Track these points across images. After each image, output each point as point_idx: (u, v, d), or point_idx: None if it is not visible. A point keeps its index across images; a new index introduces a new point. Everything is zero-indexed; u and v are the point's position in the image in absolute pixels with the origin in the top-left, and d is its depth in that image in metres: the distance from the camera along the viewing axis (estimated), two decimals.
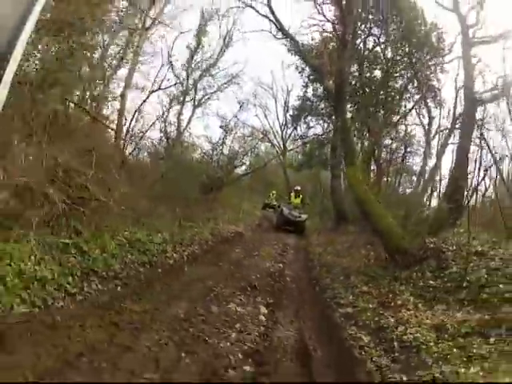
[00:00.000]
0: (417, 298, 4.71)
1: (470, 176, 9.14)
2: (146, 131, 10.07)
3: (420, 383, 2.84)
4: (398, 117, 14.75)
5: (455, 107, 13.28)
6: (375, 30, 14.74)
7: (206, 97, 17.64)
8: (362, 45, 14.71)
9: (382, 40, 14.84)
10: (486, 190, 10.78)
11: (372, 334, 3.76)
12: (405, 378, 2.94)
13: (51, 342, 2.67)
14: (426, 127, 15.12)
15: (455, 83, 13.50)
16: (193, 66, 16.79)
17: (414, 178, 15.96)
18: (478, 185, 9.32)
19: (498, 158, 9.04)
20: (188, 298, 3.99)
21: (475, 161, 9.86)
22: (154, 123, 10.76)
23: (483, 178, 9.42)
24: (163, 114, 12.68)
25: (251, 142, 17.96)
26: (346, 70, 10.15)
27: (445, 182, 11.60)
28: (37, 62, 6.24)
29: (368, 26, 14.57)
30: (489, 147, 8.33)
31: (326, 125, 17.44)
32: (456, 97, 13.36)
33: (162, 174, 9.59)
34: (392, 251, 6.63)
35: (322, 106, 16.25)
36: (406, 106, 14.99)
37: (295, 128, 19.31)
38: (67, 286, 3.47)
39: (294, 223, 13.18)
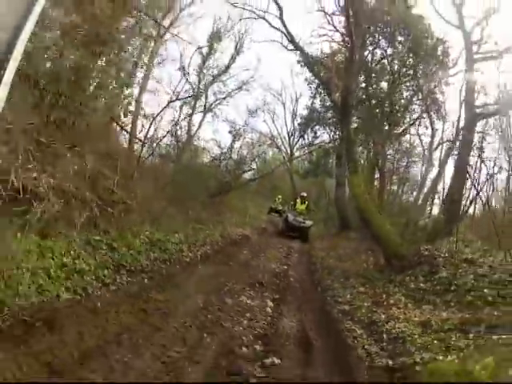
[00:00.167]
0: (408, 298, 5.24)
1: (469, 187, 9.58)
2: (163, 137, 10.60)
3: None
4: (402, 128, 15.18)
5: (459, 120, 13.73)
6: (383, 42, 15.23)
7: (217, 102, 18.15)
8: (369, 56, 15.19)
9: (389, 52, 15.33)
10: (488, 199, 11.20)
11: (365, 328, 4.29)
12: (390, 363, 3.46)
13: (93, 324, 3.19)
14: (429, 139, 15.58)
15: (459, 96, 13.97)
16: (204, 71, 17.34)
17: (417, 188, 16.38)
18: (476, 196, 9.76)
19: (494, 171, 9.47)
20: (204, 291, 4.58)
21: (474, 172, 10.29)
22: (169, 131, 11.27)
23: (481, 190, 9.85)
24: (177, 120, 13.20)
25: (259, 148, 18.42)
26: (353, 84, 10.70)
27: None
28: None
29: (376, 38, 15.04)
30: (483, 162, 8.79)
31: (332, 134, 17.91)
32: (460, 109, 13.81)
33: (173, 177, 10.09)
34: (389, 257, 7.15)
35: (330, 115, 16.71)
36: (410, 118, 15.43)
37: (302, 137, 19.82)
38: (103, 277, 4.04)
39: (298, 229, 13.33)
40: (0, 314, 2.81)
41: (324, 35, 14.44)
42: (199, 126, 16.89)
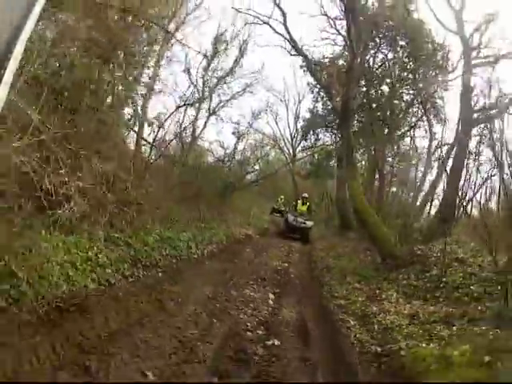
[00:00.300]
0: (399, 294, 5.67)
1: (465, 189, 9.96)
2: (171, 141, 11.03)
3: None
4: (401, 132, 15.55)
5: (458, 124, 14.05)
6: (384, 47, 15.57)
7: (221, 104, 18.50)
8: (371, 60, 15.53)
9: (390, 56, 15.67)
10: (481, 202, 11.58)
11: (358, 319, 4.73)
12: (379, 349, 3.89)
13: (116, 310, 3.65)
14: (428, 142, 15.95)
15: (459, 100, 14.27)
16: (209, 74, 17.70)
17: (416, 189, 16.74)
18: (472, 198, 10.15)
19: (490, 175, 9.84)
20: (212, 284, 5.06)
21: (470, 175, 10.67)
22: (177, 135, 11.69)
23: (476, 192, 10.24)
24: (182, 123, 13.61)
25: (262, 149, 18.79)
26: (353, 89, 11.10)
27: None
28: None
29: (377, 42, 15.37)
30: (478, 169, 9.23)
31: (334, 136, 18.25)
32: (459, 113, 14.12)
33: (180, 178, 10.50)
34: (385, 256, 7.58)
35: (331, 119, 17.07)
36: (409, 121, 15.78)
37: (304, 139, 20.18)
38: (123, 270, 4.50)
39: (299, 230, 13.56)
40: (36, 302, 3.26)
41: (326, 39, 14.92)
42: (204, 127, 17.25)
